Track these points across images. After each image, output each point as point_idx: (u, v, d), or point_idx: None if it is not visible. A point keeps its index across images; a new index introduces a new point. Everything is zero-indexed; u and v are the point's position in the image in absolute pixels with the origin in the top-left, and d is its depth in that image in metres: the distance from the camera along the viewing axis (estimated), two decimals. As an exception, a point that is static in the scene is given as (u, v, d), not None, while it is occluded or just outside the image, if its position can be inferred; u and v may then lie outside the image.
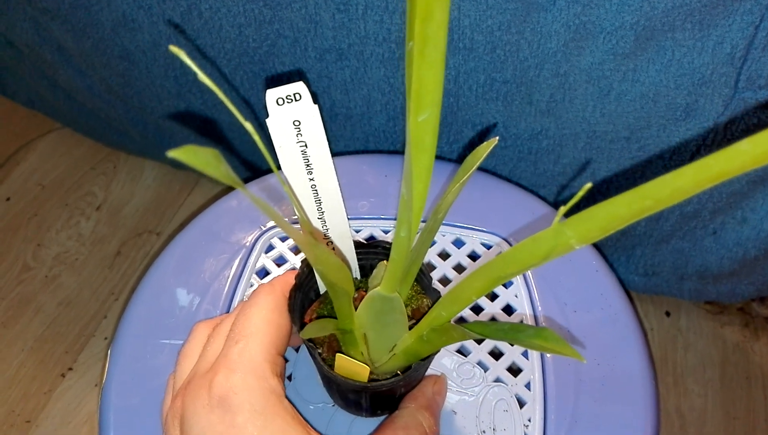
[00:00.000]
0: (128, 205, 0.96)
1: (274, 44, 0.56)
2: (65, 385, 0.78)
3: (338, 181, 0.32)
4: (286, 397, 0.31)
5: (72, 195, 0.97)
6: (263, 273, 0.47)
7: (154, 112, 0.73)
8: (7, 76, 0.93)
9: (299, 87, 0.28)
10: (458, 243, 0.49)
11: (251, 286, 0.46)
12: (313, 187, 0.31)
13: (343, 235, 0.34)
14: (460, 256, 0.47)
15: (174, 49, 0.19)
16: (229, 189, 0.53)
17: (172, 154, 0.16)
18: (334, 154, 0.61)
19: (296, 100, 0.28)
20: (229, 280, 0.46)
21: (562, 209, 0.21)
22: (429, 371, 0.40)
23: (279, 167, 0.29)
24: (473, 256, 0.48)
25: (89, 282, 0.87)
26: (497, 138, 0.28)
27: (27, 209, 0.96)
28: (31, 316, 0.84)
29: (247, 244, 0.48)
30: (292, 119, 0.28)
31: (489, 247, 0.48)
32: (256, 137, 0.22)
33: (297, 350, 0.42)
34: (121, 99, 0.74)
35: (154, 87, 0.68)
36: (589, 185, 0.20)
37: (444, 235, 0.49)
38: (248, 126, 0.21)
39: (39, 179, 1.00)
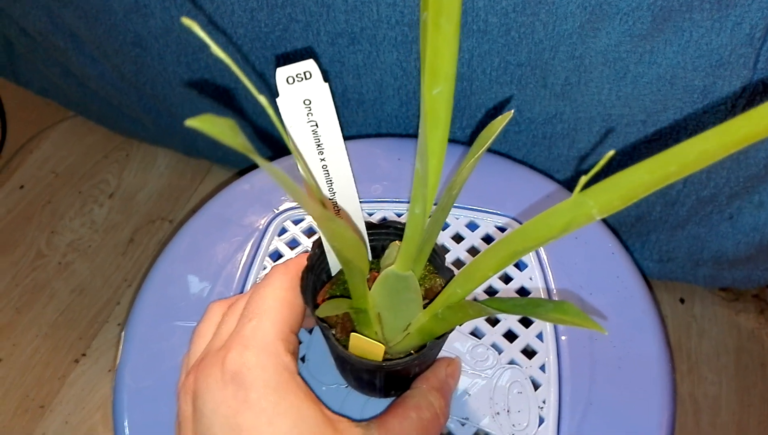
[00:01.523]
0: (141, 192, 0.96)
1: (287, 29, 0.55)
2: (79, 371, 0.79)
3: (350, 163, 0.31)
4: (300, 375, 0.31)
5: (85, 183, 0.98)
6: (276, 256, 0.47)
7: (167, 99, 0.73)
8: (21, 65, 0.93)
9: (310, 65, 0.27)
10: (472, 226, 0.48)
11: (264, 269, 0.46)
12: (324, 167, 0.31)
13: (355, 216, 0.34)
14: (473, 238, 0.47)
15: (186, 21, 0.19)
16: (241, 174, 0.53)
17: (190, 122, 0.16)
18: (346, 138, 0.61)
19: (306, 79, 0.27)
20: (242, 263, 0.46)
21: (583, 178, 0.20)
22: (443, 355, 0.40)
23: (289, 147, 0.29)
24: (487, 239, 0.47)
25: (102, 269, 0.88)
26: (512, 111, 0.28)
27: (41, 197, 0.96)
28: (45, 303, 0.84)
29: (260, 227, 0.48)
30: (303, 98, 0.28)
31: (503, 230, 0.48)
32: (271, 111, 0.21)
33: (310, 332, 0.42)
34: (134, 86, 0.75)
35: (166, 73, 0.68)
36: (612, 152, 0.19)
37: (458, 218, 0.48)
38: (262, 99, 0.21)
39: (53, 167, 1.00)
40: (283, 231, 0.48)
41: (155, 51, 0.65)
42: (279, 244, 0.47)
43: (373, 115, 0.63)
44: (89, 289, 0.86)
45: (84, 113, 1.00)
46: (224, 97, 0.68)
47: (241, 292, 0.44)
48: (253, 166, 0.57)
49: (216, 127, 0.16)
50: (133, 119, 0.88)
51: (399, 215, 0.49)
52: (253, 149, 0.19)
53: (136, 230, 0.92)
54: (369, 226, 0.36)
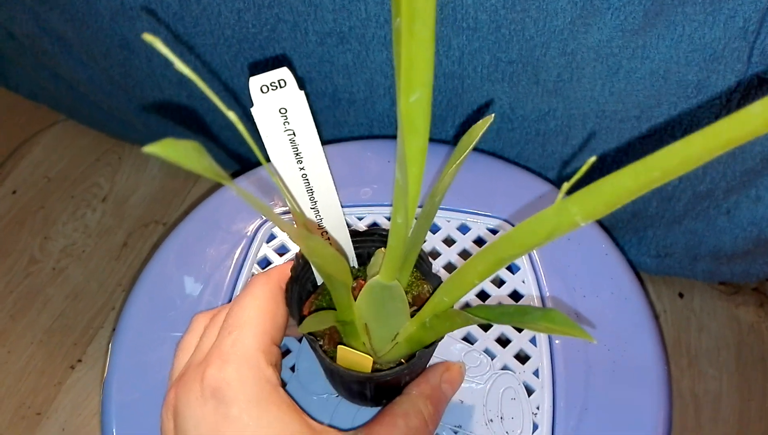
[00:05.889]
0: (134, 195, 0.96)
1: (274, 29, 0.55)
2: (74, 377, 0.78)
3: (331, 168, 0.31)
4: (284, 387, 0.30)
5: (78, 187, 0.97)
6: (264, 263, 0.47)
7: (156, 102, 0.72)
8: (10, 69, 0.93)
9: (283, 73, 0.27)
10: (463, 229, 0.47)
11: (252, 275, 0.45)
12: (304, 176, 0.30)
13: (338, 224, 0.33)
14: (465, 241, 0.46)
15: (148, 37, 0.18)
16: (233, 176, 0.53)
17: (148, 150, 0.15)
18: (337, 140, 0.60)
19: (281, 87, 0.27)
20: (231, 270, 0.45)
21: (566, 185, 0.19)
22: (445, 359, 0.40)
23: (268, 158, 0.28)
24: (479, 242, 0.47)
25: (96, 274, 0.87)
26: (494, 115, 0.27)
27: (33, 202, 0.96)
28: (39, 309, 0.84)
29: (248, 233, 0.47)
30: (278, 107, 0.27)
31: (495, 232, 0.47)
32: (241, 127, 0.21)
33: (300, 341, 0.41)
34: (123, 89, 0.74)
35: (154, 76, 0.67)
36: (593, 159, 0.19)
37: (449, 221, 0.48)
38: (231, 115, 0.20)
39: (45, 172, 0.99)
40: (272, 237, 0.48)
41: (143, 54, 0.64)
42: (267, 250, 0.47)
43: (365, 115, 0.63)
44: (84, 295, 0.85)
45: (75, 116, 1.00)
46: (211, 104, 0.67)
47: (229, 300, 0.44)
48: (240, 171, 0.56)
49: (178, 151, 0.15)
50: (124, 122, 0.87)
51: (389, 219, 0.48)
52: (222, 172, 0.18)
53: (130, 234, 0.91)
54: (354, 233, 0.35)
